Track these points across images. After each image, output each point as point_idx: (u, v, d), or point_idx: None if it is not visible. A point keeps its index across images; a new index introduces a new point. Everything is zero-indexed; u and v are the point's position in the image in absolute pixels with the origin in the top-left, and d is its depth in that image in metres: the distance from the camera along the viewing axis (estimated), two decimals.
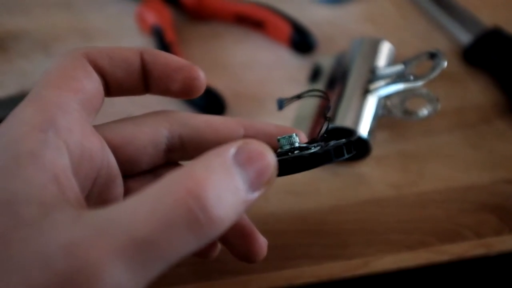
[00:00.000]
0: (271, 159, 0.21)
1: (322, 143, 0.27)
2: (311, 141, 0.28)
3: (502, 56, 0.43)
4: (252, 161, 0.20)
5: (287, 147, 0.26)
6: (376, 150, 0.38)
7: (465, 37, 0.46)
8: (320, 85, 0.43)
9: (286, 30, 0.45)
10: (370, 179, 0.38)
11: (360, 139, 0.36)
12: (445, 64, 0.35)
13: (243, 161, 0.20)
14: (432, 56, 0.36)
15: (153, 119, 0.27)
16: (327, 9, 0.50)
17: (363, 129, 0.36)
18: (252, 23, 0.47)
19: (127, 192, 0.27)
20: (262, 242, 0.28)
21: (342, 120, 0.36)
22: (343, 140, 0.26)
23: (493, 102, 0.43)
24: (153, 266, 0.18)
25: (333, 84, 0.42)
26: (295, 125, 0.40)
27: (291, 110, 0.41)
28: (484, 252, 0.33)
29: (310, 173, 0.38)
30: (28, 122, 0.21)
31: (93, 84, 0.24)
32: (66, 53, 0.24)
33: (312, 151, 0.25)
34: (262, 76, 0.45)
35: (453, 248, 0.34)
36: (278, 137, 0.27)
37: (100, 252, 0.17)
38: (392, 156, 0.39)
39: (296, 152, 0.26)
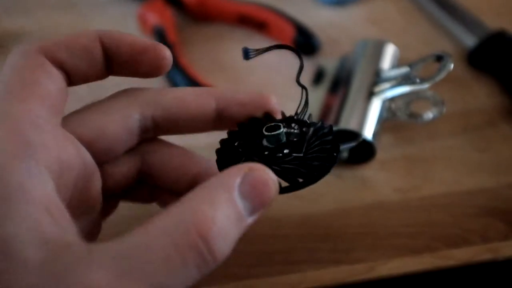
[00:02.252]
0: (274, 186, 0.22)
1: (306, 121, 0.27)
2: (288, 118, 0.28)
3: (507, 59, 0.43)
4: (257, 191, 0.21)
5: (274, 145, 0.26)
6: (381, 153, 0.38)
7: (469, 40, 0.45)
8: (324, 87, 0.42)
9: (289, 31, 0.45)
10: (375, 182, 0.37)
11: (365, 141, 0.35)
12: (452, 66, 0.34)
13: (248, 192, 0.21)
14: (439, 58, 0.35)
15: (122, 104, 0.26)
16: (331, 11, 0.50)
17: (368, 132, 0.36)
18: (255, 24, 0.47)
19: (107, 178, 0.26)
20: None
21: (347, 122, 0.36)
22: (329, 137, 0.25)
23: (498, 105, 0.42)
24: None
25: (337, 86, 0.41)
26: None
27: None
28: (491, 257, 0.33)
29: None
30: (4, 149, 0.19)
31: (56, 84, 0.23)
32: (18, 50, 0.23)
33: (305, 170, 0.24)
34: (265, 78, 0.44)
35: (459, 253, 0.33)
36: (265, 133, 0.26)
37: None
38: (396, 160, 0.39)
39: (289, 158, 0.25)
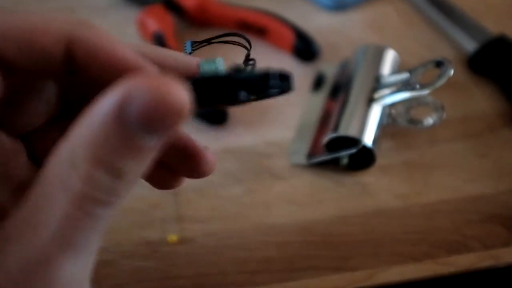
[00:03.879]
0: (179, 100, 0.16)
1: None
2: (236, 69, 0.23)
3: (507, 64, 0.42)
4: (152, 115, 0.15)
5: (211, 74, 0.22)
6: (381, 160, 0.37)
7: (469, 45, 0.45)
8: (324, 93, 0.42)
9: (289, 37, 0.45)
10: (375, 189, 0.37)
11: (365, 148, 0.35)
12: (452, 72, 0.34)
13: (138, 121, 0.16)
14: (439, 64, 0.35)
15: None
16: (331, 16, 0.50)
17: (368, 138, 0.35)
18: (254, 30, 0.47)
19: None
20: (210, 158, 0.23)
21: (346, 129, 0.36)
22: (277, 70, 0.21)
23: (499, 110, 0.42)
24: (82, 256, 0.17)
25: (337, 92, 0.41)
26: (298, 134, 0.40)
27: (295, 119, 0.41)
28: (492, 264, 0.33)
29: (312, 183, 0.38)
30: None
31: None
32: None
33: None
34: None
35: (460, 259, 0.33)
36: (200, 62, 0.22)
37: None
38: (397, 166, 0.38)
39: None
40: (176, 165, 0.23)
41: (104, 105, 0.16)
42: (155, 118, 0.15)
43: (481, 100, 0.43)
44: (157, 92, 0.15)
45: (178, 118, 0.16)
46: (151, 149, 0.17)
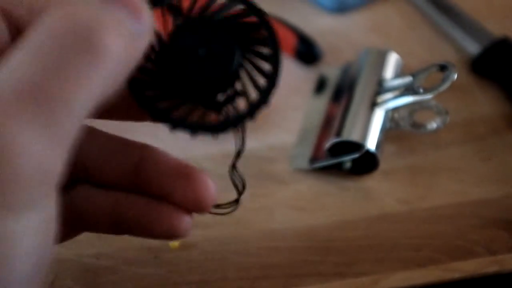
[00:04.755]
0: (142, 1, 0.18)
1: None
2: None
3: (511, 66, 0.42)
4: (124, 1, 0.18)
5: None
6: (384, 164, 0.37)
7: (473, 48, 0.45)
8: (326, 96, 0.42)
9: (290, 40, 0.45)
10: (378, 193, 0.37)
11: (368, 152, 0.35)
12: (455, 76, 0.34)
13: (113, 1, 0.17)
14: (442, 68, 0.35)
15: None
16: (332, 18, 0.49)
17: (371, 143, 0.35)
18: None
19: None
20: (204, 179, 0.24)
21: (349, 133, 0.35)
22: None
23: (503, 113, 0.42)
24: (61, 117, 0.15)
25: (339, 95, 0.41)
26: (300, 138, 0.40)
27: (297, 122, 0.41)
28: (497, 270, 0.32)
29: (315, 187, 0.38)
30: None
31: None
32: None
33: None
34: None
35: (464, 265, 0.33)
36: None
37: None
38: (400, 170, 0.38)
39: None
40: (172, 192, 0.23)
41: None
42: None
43: (485, 103, 0.43)
44: None
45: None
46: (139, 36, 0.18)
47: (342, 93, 0.41)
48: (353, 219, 0.35)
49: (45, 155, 0.15)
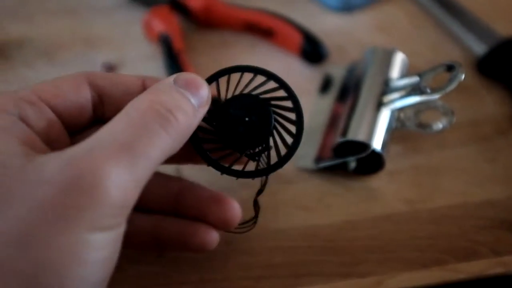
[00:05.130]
0: (203, 81, 0.26)
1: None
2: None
3: None
4: (190, 83, 0.25)
5: None
6: (389, 164, 0.37)
7: (479, 48, 0.45)
8: (331, 96, 0.42)
9: (296, 39, 0.44)
10: (383, 194, 0.37)
11: (374, 152, 0.35)
12: (463, 77, 0.34)
13: (182, 85, 0.25)
14: (449, 68, 0.35)
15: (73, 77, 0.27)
16: (338, 18, 0.49)
17: (377, 143, 0.35)
18: (261, 31, 0.46)
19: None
20: (233, 204, 0.30)
21: (355, 133, 0.35)
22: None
23: (509, 114, 0.42)
24: (143, 163, 0.22)
25: (344, 95, 0.41)
26: (306, 138, 0.39)
27: None
28: (502, 271, 0.32)
29: (320, 187, 0.38)
30: None
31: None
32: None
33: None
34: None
35: (469, 266, 0.32)
36: None
37: (96, 160, 0.21)
38: (405, 170, 0.38)
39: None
40: (206, 214, 0.30)
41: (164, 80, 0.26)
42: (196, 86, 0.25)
43: (490, 103, 0.43)
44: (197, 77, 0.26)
45: (208, 101, 0.26)
46: (198, 114, 0.25)
47: (347, 92, 0.40)
48: (358, 219, 0.35)
49: (129, 190, 0.22)
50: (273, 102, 0.28)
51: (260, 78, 0.28)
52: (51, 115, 0.25)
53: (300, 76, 0.44)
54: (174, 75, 0.26)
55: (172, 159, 0.27)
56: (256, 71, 0.28)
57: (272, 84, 0.28)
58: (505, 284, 0.33)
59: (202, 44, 0.47)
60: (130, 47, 0.46)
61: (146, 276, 0.32)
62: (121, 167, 0.21)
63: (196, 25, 0.48)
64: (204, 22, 0.48)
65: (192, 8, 0.47)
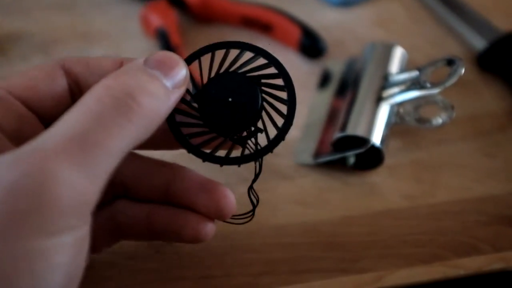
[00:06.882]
0: (178, 59, 0.24)
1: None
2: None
3: None
4: (162, 62, 0.23)
5: None
6: (389, 159, 0.37)
7: (478, 43, 0.45)
8: (330, 90, 0.42)
9: (295, 33, 0.44)
10: (382, 189, 0.36)
11: (373, 147, 0.35)
12: (463, 71, 0.34)
13: (153, 65, 0.23)
14: (450, 62, 0.35)
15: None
16: (337, 12, 0.49)
17: (376, 138, 0.35)
18: (259, 26, 0.46)
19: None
20: (225, 192, 0.28)
21: (354, 128, 0.35)
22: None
23: (508, 109, 0.41)
24: (99, 159, 0.20)
25: (343, 89, 0.41)
26: (305, 132, 0.39)
27: (301, 117, 0.40)
28: (502, 267, 0.32)
29: (319, 182, 0.37)
30: None
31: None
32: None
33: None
34: None
35: (469, 262, 0.32)
36: None
37: (43, 157, 0.19)
38: (405, 165, 0.38)
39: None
40: (196, 203, 0.28)
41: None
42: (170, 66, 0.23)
43: (490, 98, 0.42)
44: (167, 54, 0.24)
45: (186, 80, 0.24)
46: (171, 96, 0.23)
47: (346, 87, 0.40)
48: (357, 215, 0.35)
49: (83, 188, 0.20)
50: (262, 81, 0.25)
51: (248, 55, 0.26)
52: (22, 109, 0.24)
53: (299, 71, 0.44)
54: (145, 56, 0.24)
55: (149, 145, 0.26)
56: (243, 46, 0.25)
57: (262, 61, 0.26)
58: (506, 280, 0.33)
59: (199, 39, 0.46)
60: (127, 41, 0.46)
61: (144, 272, 0.32)
62: (73, 162, 0.19)
63: (193, 20, 0.48)
64: (201, 17, 0.47)
65: (189, 2, 0.46)
